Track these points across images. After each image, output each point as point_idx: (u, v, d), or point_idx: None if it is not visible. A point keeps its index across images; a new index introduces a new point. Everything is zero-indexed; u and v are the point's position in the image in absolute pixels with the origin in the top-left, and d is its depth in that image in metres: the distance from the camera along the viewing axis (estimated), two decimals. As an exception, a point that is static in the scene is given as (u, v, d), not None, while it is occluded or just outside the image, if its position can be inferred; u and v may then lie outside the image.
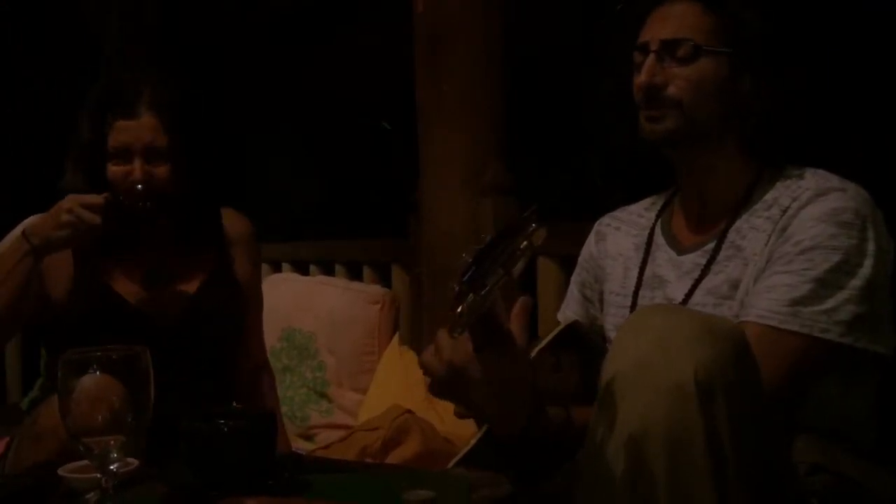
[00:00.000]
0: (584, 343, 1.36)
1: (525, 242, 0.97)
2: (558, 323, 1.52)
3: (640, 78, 1.36)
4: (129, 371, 1.01)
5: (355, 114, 4.43)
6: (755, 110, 1.34)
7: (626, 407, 0.97)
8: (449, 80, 2.52)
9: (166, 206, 1.68)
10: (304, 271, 3.30)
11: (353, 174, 4.65)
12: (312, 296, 2.97)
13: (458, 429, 2.15)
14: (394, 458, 2.07)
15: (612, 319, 1.50)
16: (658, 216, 1.51)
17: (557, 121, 3.68)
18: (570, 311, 1.60)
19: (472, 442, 1.28)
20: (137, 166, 1.66)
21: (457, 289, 0.98)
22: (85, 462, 1.19)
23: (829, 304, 1.21)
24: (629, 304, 1.46)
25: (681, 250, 1.43)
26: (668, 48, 1.35)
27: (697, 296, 1.35)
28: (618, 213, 1.60)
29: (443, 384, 1.10)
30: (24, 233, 1.62)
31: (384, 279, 3.00)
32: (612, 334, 1.49)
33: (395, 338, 2.77)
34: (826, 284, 1.22)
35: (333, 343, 2.81)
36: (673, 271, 1.41)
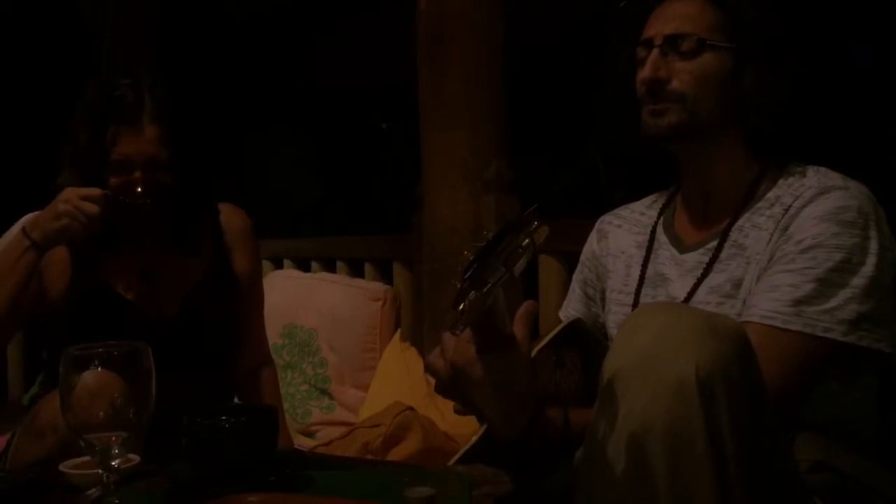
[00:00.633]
0: (586, 341, 1.36)
1: (527, 240, 0.97)
2: (560, 321, 1.52)
3: (644, 72, 1.36)
4: (131, 367, 1.01)
5: (357, 110, 4.43)
6: (758, 105, 1.34)
7: (627, 404, 0.97)
8: (451, 76, 2.52)
9: (165, 206, 1.68)
10: (305, 268, 3.30)
11: (354, 171, 4.66)
12: (314, 292, 2.97)
13: (459, 426, 2.16)
14: (395, 454, 2.07)
15: (614, 318, 1.50)
16: (660, 214, 1.51)
17: (560, 117, 3.68)
18: (571, 309, 1.60)
19: (474, 439, 1.28)
20: (138, 178, 1.66)
21: (458, 286, 0.98)
22: (86, 458, 1.19)
23: (832, 303, 1.21)
24: (631, 302, 1.46)
25: (683, 248, 1.42)
26: (672, 43, 1.35)
27: (700, 294, 1.34)
28: (619, 210, 1.59)
29: (445, 384, 1.11)
30: (23, 229, 1.62)
31: (385, 276, 3.00)
32: (614, 332, 1.48)
33: (397, 335, 2.77)
34: (829, 283, 1.22)
35: (335, 340, 2.81)
36: (675, 269, 1.41)
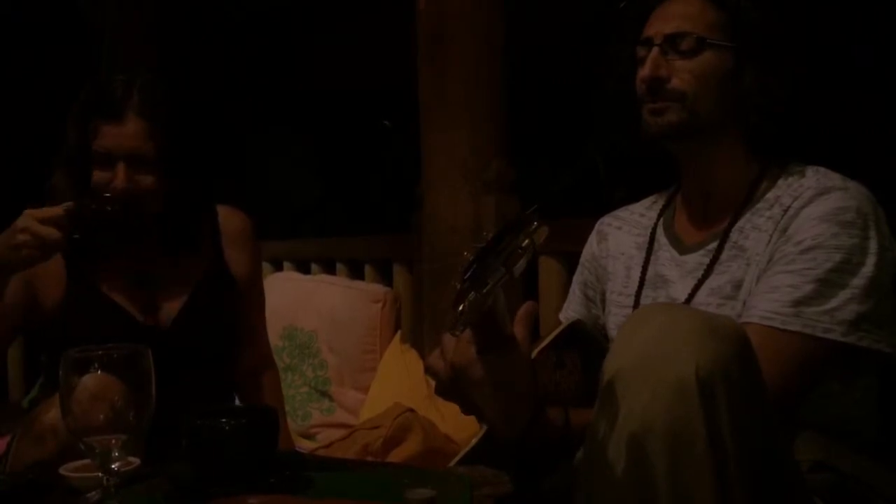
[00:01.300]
0: (586, 342, 1.36)
1: (527, 240, 0.97)
2: (560, 322, 1.52)
3: (644, 71, 1.36)
4: (130, 369, 1.01)
5: (357, 110, 4.43)
6: (758, 105, 1.34)
7: (627, 404, 0.97)
8: (451, 76, 2.52)
9: (145, 211, 1.63)
10: (305, 269, 3.30)
11: (354, 171, 4.66)
12: (314, 294, 2.97)
13: (459, 428, 2.15)
14: (395, 456, 2.07)
15: (615, 319, 1.50)
16: (660, 215, 1.51)
17: (560, 117, 3.68)
18: (572, 310, 1.60)
19: (474, 441, 1.28)
20: (120, 172, 1.60)
21: (458, 287, 0.98)
22: (86, 461, 1.19)
23: (832, 303, 1.21)
24: (631, 303, 1.46)
25: (683, 249, 1.42)
26: (672, 42, 1.35)
27: (700, 295, 1.34)
28: (619, 212, 1.59)
29: (445, 385, 1.11)
30: None
31: (385, 277, 3.00)
32: (614, 334, 1.48)
33: (397, 336, 2.77)
34: (828, 284, 1.21)
35: (335, 342, 2.81)
36: (675, 271, 1.41)
